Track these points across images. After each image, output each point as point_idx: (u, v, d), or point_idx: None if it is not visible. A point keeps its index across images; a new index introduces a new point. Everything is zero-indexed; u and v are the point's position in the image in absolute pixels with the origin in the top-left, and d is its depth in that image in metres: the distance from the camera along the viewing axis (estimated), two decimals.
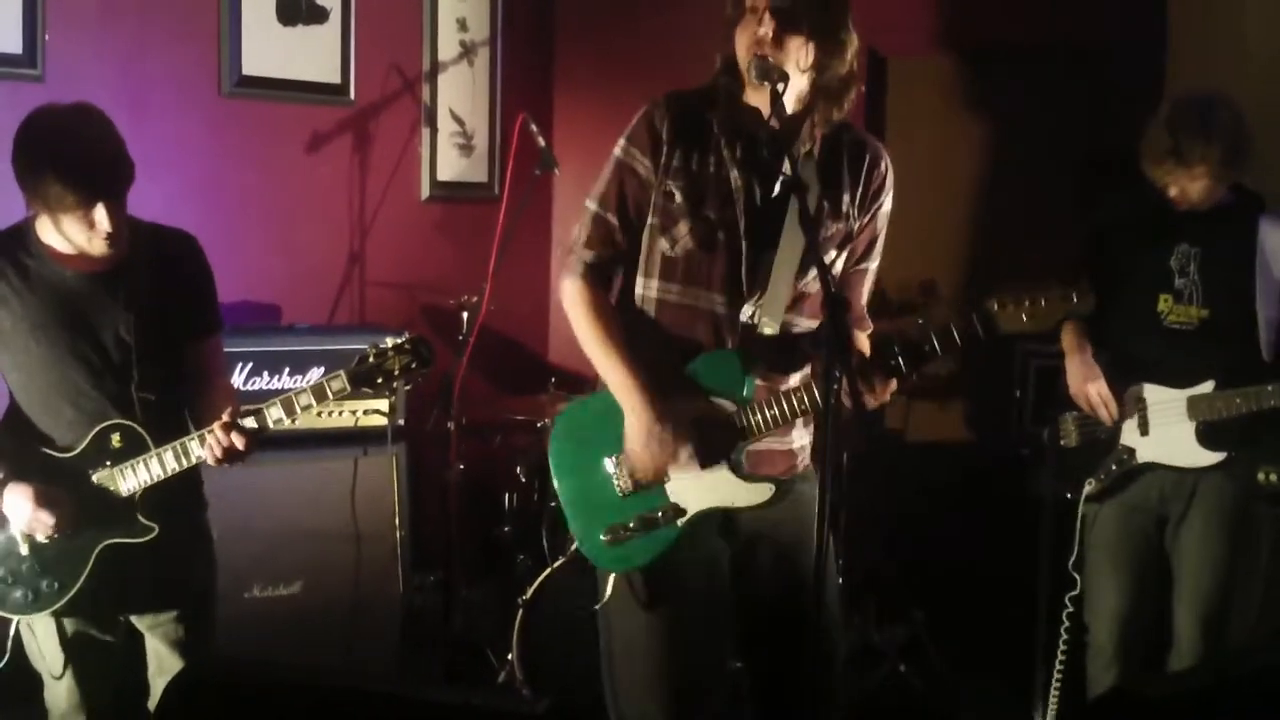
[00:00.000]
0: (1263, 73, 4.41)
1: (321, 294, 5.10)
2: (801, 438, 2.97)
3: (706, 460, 2.80)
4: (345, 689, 2.23)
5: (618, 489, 2.86)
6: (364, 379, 3.05)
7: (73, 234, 2.96)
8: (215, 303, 3.27)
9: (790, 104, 2.79)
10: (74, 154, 2.90)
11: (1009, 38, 5.02)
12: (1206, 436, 3.56)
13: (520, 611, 4.15)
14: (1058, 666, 3.81)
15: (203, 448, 3.02)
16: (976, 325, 2.65)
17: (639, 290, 2.90)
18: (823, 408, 2.45)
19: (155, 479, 3.06)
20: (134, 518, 3.08)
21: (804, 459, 2.98)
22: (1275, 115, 3.97)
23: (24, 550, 3.07)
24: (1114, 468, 3.65)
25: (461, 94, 5.53)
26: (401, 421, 4.49)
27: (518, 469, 4.65)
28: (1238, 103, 3.55)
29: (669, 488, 2.84)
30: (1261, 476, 3.93)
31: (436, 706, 2.19)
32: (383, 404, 4.35)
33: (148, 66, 4.56)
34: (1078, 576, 3.73)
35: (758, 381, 2.82)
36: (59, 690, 3.19)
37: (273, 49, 4.87)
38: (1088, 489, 3.67)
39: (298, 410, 3.04)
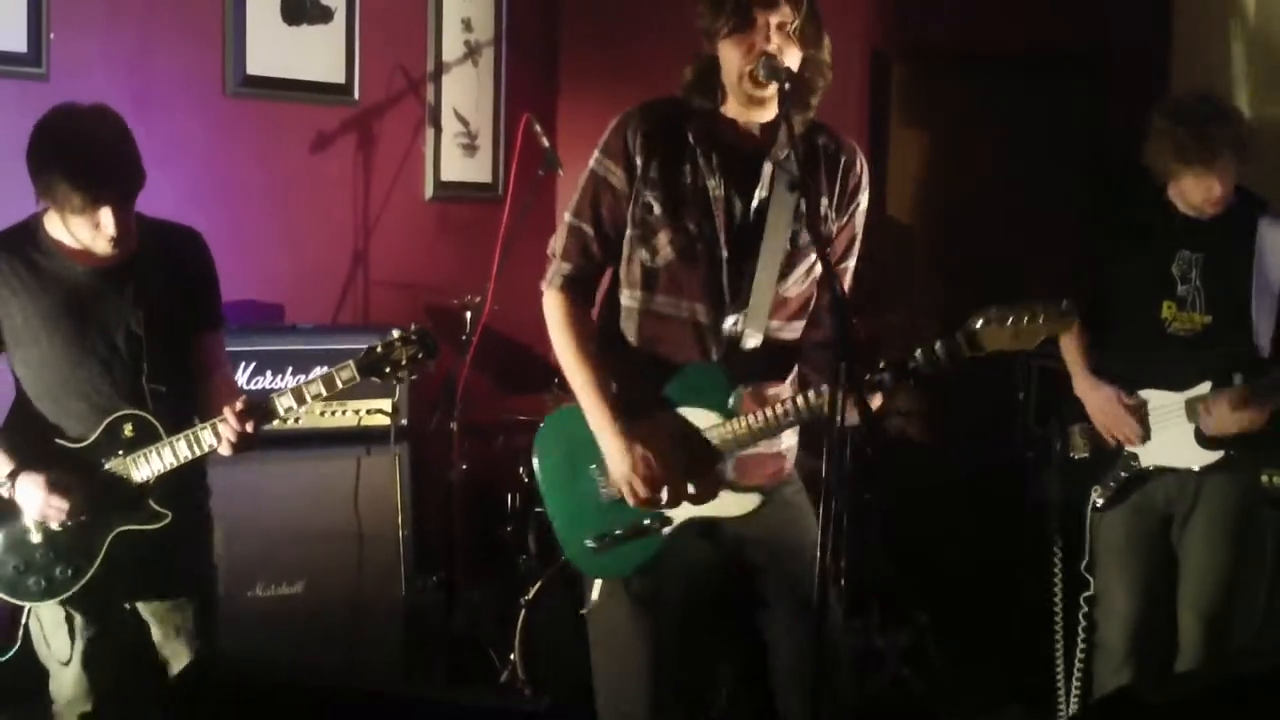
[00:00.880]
0: (1267, 78, 4.41)
1: (325, 294, 5.11)
2: (789, 439, 2.95)
3: (692, 474, 2.79)
4: (348, 688, 2.23)
5: (602, 496, 2.87)
6: (372, 369, 3.11)
7: (79, 232, 3.02)
8: (219, 298, 3.33)
9: (769, 111, 2.78)
10: (83, 156, 2.95)
11: (1013, 42, 5.02)
12: (1205, 437, 3.57)
13: (522, 611, 4.15)
14: (1077, 667, 3.83)
15: (214, 436, 3.07)
16: (961, 343, 2.64)
17: (623, 301, 2.90)
18: (829, 414, 2.43)
19: (168, 468, 3.12)
20: (147, 506, 3.14)
21: (791, 460, 2.98)
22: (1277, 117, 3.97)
23: (37, 538, 3.11)
24: (1122, 474, 3.66)
25: (466, 94, 5.53)
26: (404, 421, 4.49)
27: (520, 469, 4.65)
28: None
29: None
30: (1265, 479, 3.93)
31: (438, 705, 2.19)
32: (386, 404, 4.36)
33: (152, 65, 4.56)
34: (1090, 578, 3.74)
35: (744, 390, 2.81)
36: (65, 678, 3.21)
37: (277, 49, 4.88)
38: (1097, 500, 3.67)
39: (308, 399, 3.10)
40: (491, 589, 4.77)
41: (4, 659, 3.19)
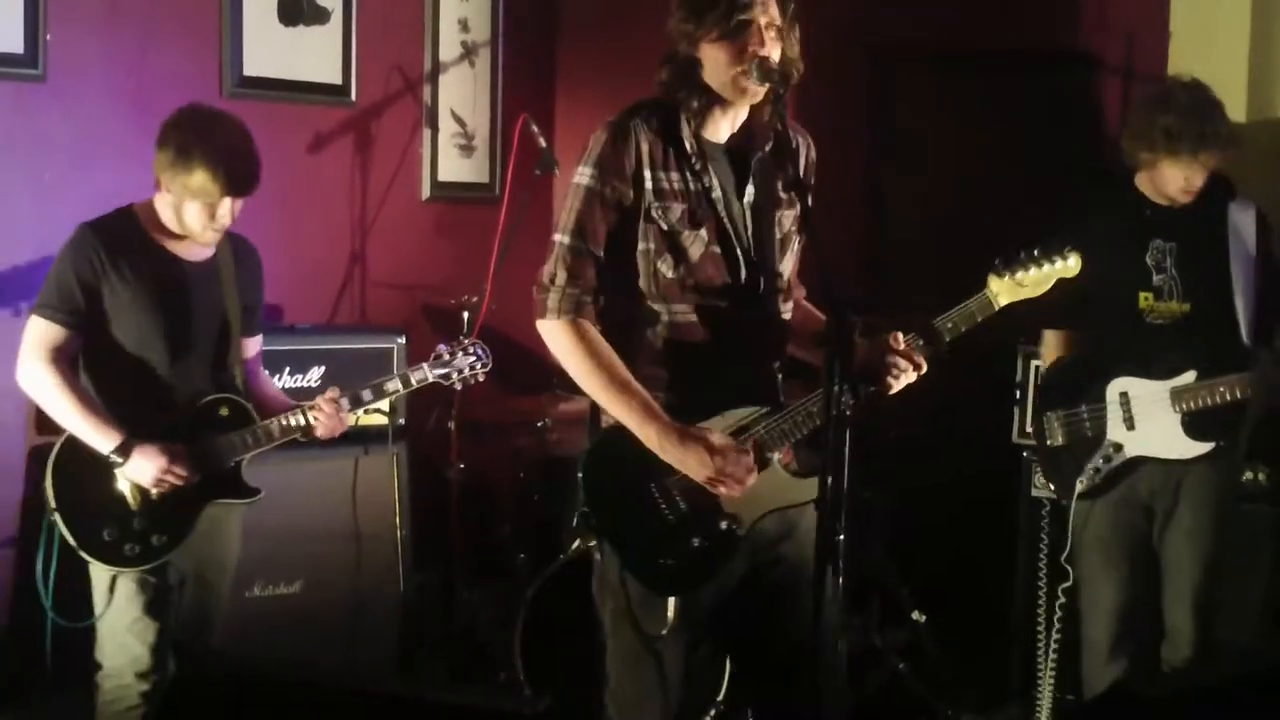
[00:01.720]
0: (1264, 77, 4.42)
1: (322, 294, 5.11)
2: None
3: (759, 466, 2.78)
4: (346, 688, 2.23)
5: (668, 515, 2.80)
6: (441, 374, 3.64)
7: (191, 220, 3.29)
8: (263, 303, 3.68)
9: (748, 108, 2.85)
10: (224, 148, 3.26)
11: (1012, 43, 5.02)
12: (1193, 427, 3.57)
13: (521, 611, 4.15)
14: (1051, 659, 3.83)
15: (304, 420, 3.44)
16: (989, 296, 2.84)
17: (644, 314, 2.85)
18: (823, 408, 2.46)
19: (261, 447, 3.44)
20: (241, 481, 3.45)
21: None
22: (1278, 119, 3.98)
23: (134, 505, 3.28)
24: (1102, 463, 3.65)
25: (463, 95, 5.53)
26: (402, 421, 4.49)
27: (518, 469, 4.65)
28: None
29: (723, 500, 2.79)
30: (1249, 475, 3.94)
31: (437, 706, 2.20)
32: (383, 403, 4.35)
33: (150, 66, 4.56)
34: (1070, 569, 3.73)
35: (782, 382, 2.89)
36: (125, 639, 3.30)
37: (274, 49, 4.88)
38: (1079, 488, 3.66)
39: (386, 393, 3.59)
40: (490, 589, 4.77)
41: (87, 623, 3.32)
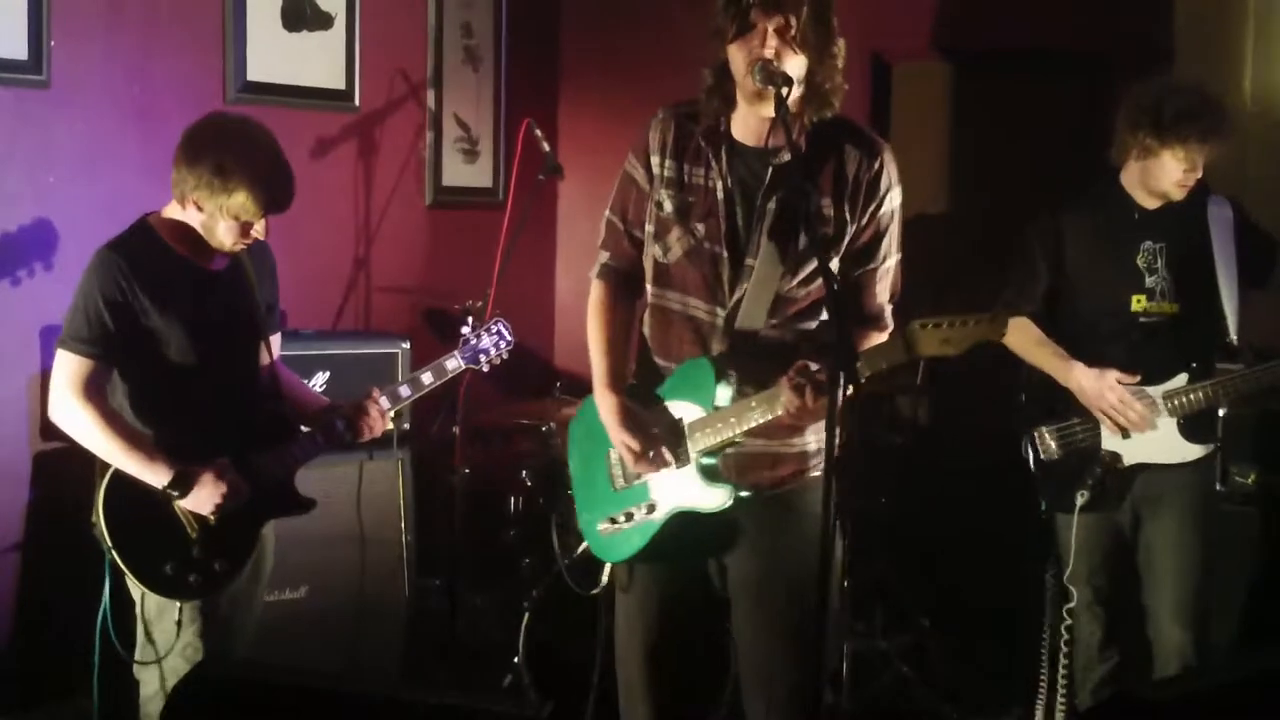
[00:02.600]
0: (1269, 76, 4.42)
1: (326, 299, 5.11)
2: (813, 441, 2.94)
3: (676, 461, 2.90)
4: (351, 693, 2.24)
5: (613, 483, 3.02)
6: (470, 359, 3.66)
7: (224, 236, 3.18)
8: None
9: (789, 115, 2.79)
10: (264, 166, 3.15)
11: (1013, 43, 5.02)
12: (1190, 430, 3.55)
13: (526, 615, 4.15)
14: (1061, 678, 3.80)
15: (346, 427, 3.38)
16: (900, 346, 2.59)
17: (650, 297, 3.02)
18: (828, 416, 2.44)
19: (310, 458, 3.37)
20: (295, 494, 3.37)
21: (818, 463, 2.94)
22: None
23: (192, 534, 3.18)
24: (1099, 471, 3.61)
25: (466, 100, 5.54)
26: (407, 426, 4.49)
27: (523, 473, 4.65)
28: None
29: (650, 485, 2.96)
30: (1238, 477, 3.92)
31: (442, 711, 2.20)
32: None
33: (153, 72, 4.57)
34: (1074, 590, 3.68)
35: (733, 388, 2.86)
36: (175, 663, 3.18)
37: (278, 55, 4.88)
38: (1080, 501, 3.62)
39: (423, 386, 3.56)
40: (495, 593, 4.77)
41: (152, 662, 3.20)
